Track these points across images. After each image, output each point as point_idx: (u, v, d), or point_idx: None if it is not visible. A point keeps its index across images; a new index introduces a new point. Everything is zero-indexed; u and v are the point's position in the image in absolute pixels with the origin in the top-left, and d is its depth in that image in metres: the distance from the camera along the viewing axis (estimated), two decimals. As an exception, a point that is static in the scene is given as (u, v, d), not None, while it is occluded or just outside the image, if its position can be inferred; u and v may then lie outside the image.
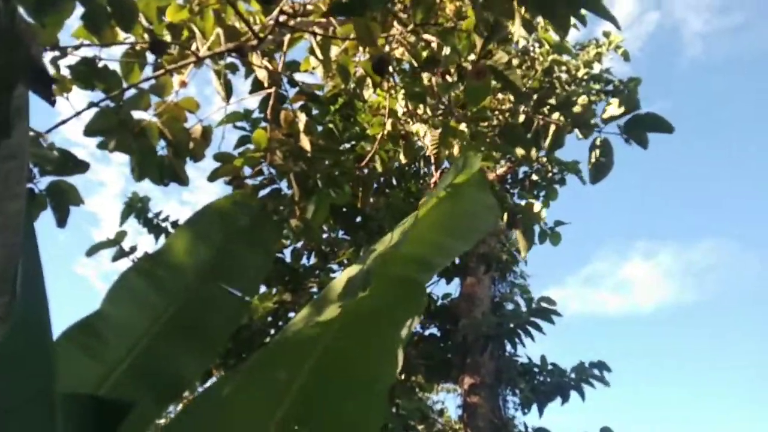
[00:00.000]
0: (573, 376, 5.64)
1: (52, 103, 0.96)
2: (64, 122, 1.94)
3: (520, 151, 2.71)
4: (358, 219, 6.35)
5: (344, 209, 6.04)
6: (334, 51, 3.59)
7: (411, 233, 1.80)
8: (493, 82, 2.67)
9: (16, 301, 1.14)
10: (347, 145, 4.95)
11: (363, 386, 1.78)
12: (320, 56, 3.33)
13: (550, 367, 6.10)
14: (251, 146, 3.72)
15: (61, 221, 2.47)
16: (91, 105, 2.13)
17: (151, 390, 1.99)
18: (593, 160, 2.87)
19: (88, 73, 2.08)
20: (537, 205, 2.94)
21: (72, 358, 1.87)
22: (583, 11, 2.08)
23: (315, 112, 4.56)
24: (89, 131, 2.25)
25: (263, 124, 3.99)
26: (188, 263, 2.12)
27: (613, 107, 2.58)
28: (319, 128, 4.78)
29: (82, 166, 2.47)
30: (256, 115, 4.21)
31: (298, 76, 3.93)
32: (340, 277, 1.89)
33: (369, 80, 3.85)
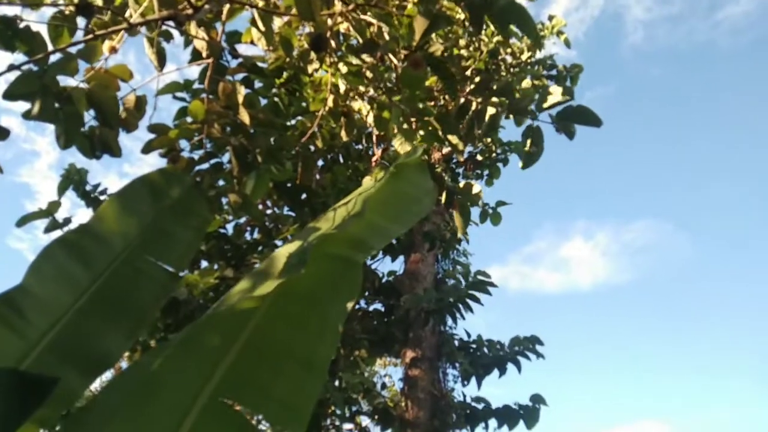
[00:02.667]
0: (509, 350, 5.85)
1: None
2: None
3: (453, 139, 2.75)
4: (303, 196, 6.31)
5: (289, 185, 5.99)
6: (277, 23, 3.52)
7: (353, 215, 1.81)
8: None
9: None
10: (293, 121, 4.89)
11: (296, 364, 1.79)
12: (262, 28, 3.26)
13: (487, 341, 6.30)
14: (188, 118, 3.63)
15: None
16: (11, 67, 2.02)
17: (76, 365, 1.94)
18: (526, 147, 2.96)
19: (7, 34, 1.97)
20: (476, 186, 3.00)
21: (-10, 332, 1.80)
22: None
23: (259, 85, 4.48)
24: (9, 95, 2.13)
25: (204, 95, 3.89)
26: (116, 236, 2.06)
27: (556, 96, 2.66)
28: (264, 102, 4.70)
29: (2, 134, 2.35)
30: (196, 86, 4.10)
31: (240, 48, 3.84)
32: (280, 252, 1.88)
33: (313, 54, 3.80)
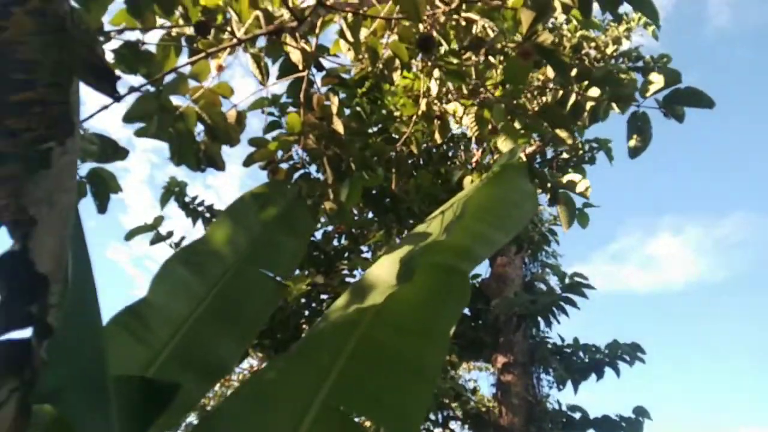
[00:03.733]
0: (607, 353, 5.61)
1: (116, 98, 0.97)
2: (105, 107, 1.97)
3: (562, 134, 2.67)
4: (387, 201, 6.35)
5: (373, 192, 6.05)
6: (363, 33, 3.57)
7: (456, 223, 1.79)
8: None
9: (68, 288, 1.17)
10: (374, 128, 4.94)
11: (406, 371, 1.79)
12: (350, 38, 3.31)
13: (583, 345, 6.07)
14: (278, 131, 3.75)
15: (102, 208, 2.53)
16: (132, 90, 2.16)
17: (195, 372, 2.04)
18: (633, 135, 2.82)
19: (130, 57, 2.11)
20: (584, 183, 2.90)
21: (121, 342, 1.93)
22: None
23: (342, 95, 4.56)
24: (129, 117, 2.28)
25: (291, 108, 4.01)
26: (227, 250, 2.15)
27: (657, 82, 2.53)
28: (347, 111, 4.78)
29: (121, 153, 2.52)
30: (283, 100, 4.22)
31: (324, 61, 3.92)
32: (380, 262, 1.90)
33: (397, 62, 3.82)
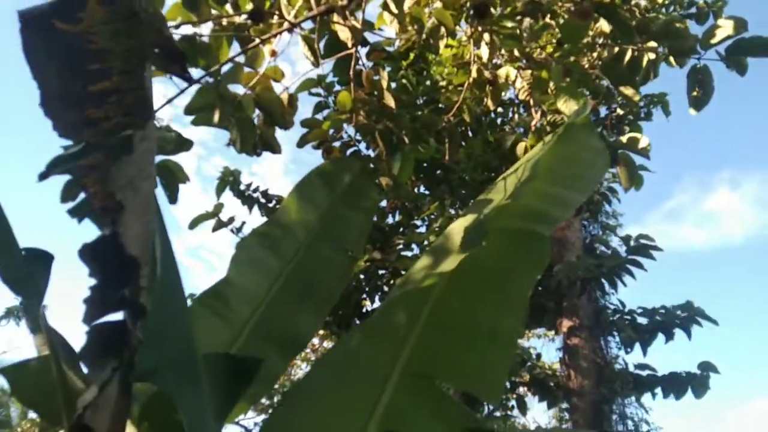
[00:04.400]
0: (678, 314, 5.47)
1: (188, 79, 1.01)
2: (170, 101, 2.04)
3: (627, 90, 2.59)
4: (439, 173, 6.32)
5: (424, 164, 6.04)
6: (407, 4, 3.53)
7: (527, 185, 1.77)
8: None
9: (156, 271, 1.23)
10: (421, 100, 4.91)
11: (483, 337, 1.81)
12: (394, 9, 3.28)
13: (651, 309, 5.93)
14: (326, 111, 3.78)
15: (173, 199, 2.63)
16: (192, 82, 2.23)
17: (275, 347, 2.12)
18: (694, 89, 2.72)
19: (189, 51, 2.17)
20: (644, 139, 2.81)
21: (204, 321, 2.02)
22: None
23: (387, 69, 4.53)
24: (191, 109, 2.35)
25: (337, 87, 4.02)
26: (298, 227, 2.21)
27: (725, 27, 2.41)
28: (393, 85, 4.75)
29: (186, 144, 2.60)
30: (329, 79, 4.24)
31: (368, 35, 3.90)
32: (453, 228, 1.90)
33: (442, 30, 3.77)
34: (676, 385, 5.69)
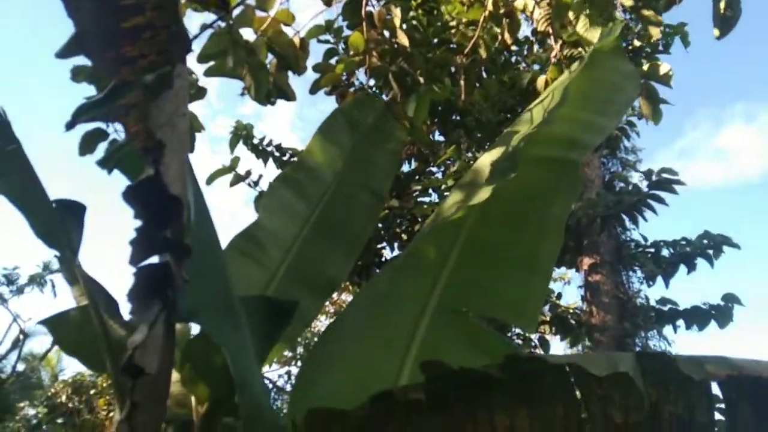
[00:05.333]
0: (702, 243, 5.45)
1: (226, 11, 0.97)
2: (195, 37, 1.98)
3: (648, 13, 2.48)
4: (454, 116, 6.22)
5: (439, 108, 5.94)
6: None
7: (557, 111, 1.72)
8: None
9: (192, 216, 1.23)
10: (434, 40, 4.78)
11: (518, 265, 1.80)
12: (405, -56, 3.16)
13: (672, 241, 5.91)
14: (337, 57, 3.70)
15: (191, 148, 2.61)
16: (204, 27, 2.18)
17: (309, 288, 2.14)
18: (720, 11, 2.61)
19: (202, -6, 2.10)
20: (664, 65, 2.72)
21: (238, 264, 2.04)
22: None
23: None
24: (205, 55, 2.31)
25: (346, 32, 3.92)
26: (325, 168, 2.20)
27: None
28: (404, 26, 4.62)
29: (201, 92, 2.57)
30: (338, 24, 4.12)
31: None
32: (482, 162, 1.88)
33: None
34: (698, 317, 5.72)
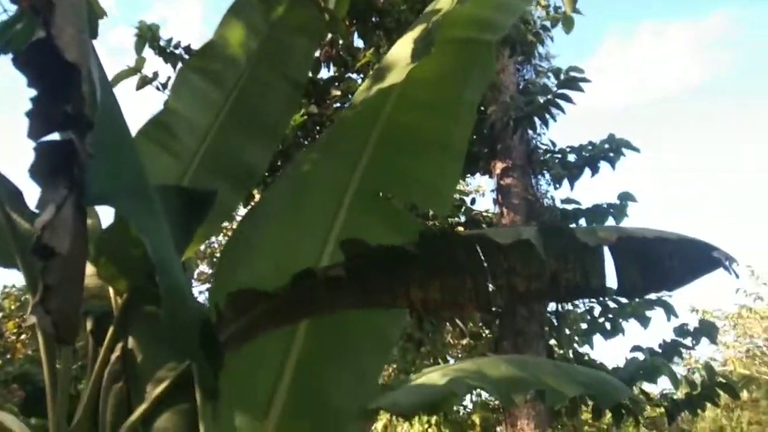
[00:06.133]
0: (605, 147, 5.80)
1: None
2: None
3: None
4: (374, 18, 6.08)
5: (358, 6, 5.76)
6: None
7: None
8: None
9: (96, 94, 1.16)
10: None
11: (434, 148, 1.85)
12: None
13: (578, 146, 6.24)
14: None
15: (93, 33, 2.41)
16: None
17: (227, 180, 2.11)
18: None
19: None
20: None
21: (150, 153, 1.96)
22: None
23: None
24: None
25: None
26: (239, 53, 2.10)
27: None
28: None
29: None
30: None
31: None
32: (398, 45, 1.86)
33: None
34: (598, 215, 6.19)
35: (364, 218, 1.87)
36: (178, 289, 1.48)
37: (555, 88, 5.28)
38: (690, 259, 1.62)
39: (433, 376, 1.96)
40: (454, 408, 6.71)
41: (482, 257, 1.68)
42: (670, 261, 1.64)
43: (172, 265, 1.53)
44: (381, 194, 1.88)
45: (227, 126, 2.04)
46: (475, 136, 6.69)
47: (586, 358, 5.53)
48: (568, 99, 5.22)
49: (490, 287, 1.73)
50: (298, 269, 1.59)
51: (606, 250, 1.62)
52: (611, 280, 1.63)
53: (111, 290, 1.96)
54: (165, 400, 1.73)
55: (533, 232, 1.59)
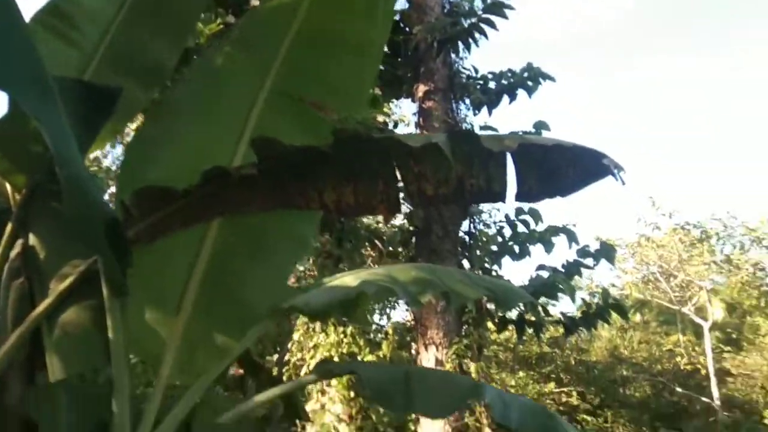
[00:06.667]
0: (523, 75, 5.93)
1: None
2: None
3: None
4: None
5: None
6: None
7: None
8: None
9: None
10: None
11: (349, 50, 1.84)
12: None
13: (498, 72, 6.34)
14: None
15: None
16: None
17: (133, 76, 2.00)
18: None
19: None
20: None
21: (47, 43, 1.83)
22: None
23: None
24: None
25: None
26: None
27: None
28: None
29: None
30: None
31: None
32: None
33: None
34: (512, 140, 6.41)
35: (279, 118, 1.86)
36: (80, 183, 1.43)
37: (480, 12, 5.28)
38: (583, 165, 1.73)
39: (346, 279, 2.03)
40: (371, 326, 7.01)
41: (394, 162, 1.73)
42: (566, 168, 1.75)
43: (74, 158, 1.47)
44: (296, 95, 1.86)
45: (133, 20, 1.92)
46: (399, 59, 6.64)
47: (494, 275, 5.87)
48: (492, 24, 5.25)
49: (401, 193, 1.80)
50: (209, 168, 1.58)
51: (508, 157, 1.71)
52: (511, 187, 1.73)
53: (8, 186, 1.86)
54: (71, 295, 1.71)
55: (442, 138, 1.65)
